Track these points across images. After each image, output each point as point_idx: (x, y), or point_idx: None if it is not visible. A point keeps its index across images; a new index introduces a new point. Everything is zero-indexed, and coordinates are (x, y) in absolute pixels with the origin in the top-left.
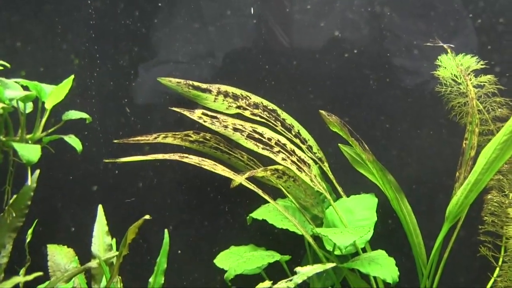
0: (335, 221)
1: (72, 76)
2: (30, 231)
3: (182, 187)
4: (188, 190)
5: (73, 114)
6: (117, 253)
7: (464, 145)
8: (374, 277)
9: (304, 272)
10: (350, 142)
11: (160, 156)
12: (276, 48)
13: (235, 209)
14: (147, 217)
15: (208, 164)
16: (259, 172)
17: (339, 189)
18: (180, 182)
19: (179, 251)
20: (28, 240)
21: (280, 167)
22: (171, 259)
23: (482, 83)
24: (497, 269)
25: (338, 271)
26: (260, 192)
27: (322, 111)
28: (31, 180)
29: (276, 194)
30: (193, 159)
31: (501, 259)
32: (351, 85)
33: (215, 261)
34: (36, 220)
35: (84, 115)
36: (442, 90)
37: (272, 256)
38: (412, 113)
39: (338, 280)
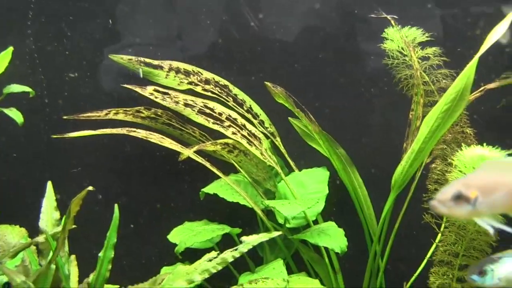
0: (287, 195)
1: (11, 48)
2: None
3: (137, 164)
4: (143, 166)
5: (15, 88)
6: (59, 229)
7: (410, 116)
8: (326, 249)
9: (250, 241)
10: (296, 114)
11: (108, 131)
12: (239, 30)
13: (191, 185)
14: (90, 188)
15: (155, 138)
16: (208, 146)
17: (291, 163)
18: (136, 159)
19: (133, 226)
20: None
21: (230, 141)
22: (126, 234)
23: (427, 55)
24: (439, 235)
25: (289, 244)
26: (208, 164)
27: (267, 83)
28: None
29: (231, 169)
30: (140, 133)
31: (443, 225)
32: (302, 61)
33: (168, 236)
34: None
35: (26, 88)
36: (389, 62)
37: (222, 229)
38: (363, 88)
39: (290, 252)
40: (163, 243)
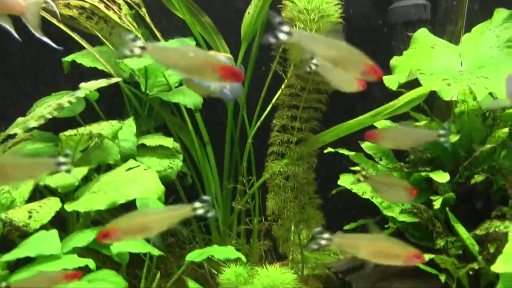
0: None
1: None
2: None
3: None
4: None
5: None
6: None
7: None
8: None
9: (87, 86)
10: None
11: None
12: None
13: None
14: None
15: None
16: (61, 8)
17: (158, 34)
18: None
19: None
20: None
21: (87, 5)
22: None
23: None
24: (286, 80)
25: (153, 114)
26: (62, 26)
27: None
28: None
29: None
30: None
31: (289, 73)
32: None
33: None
34: None
35: None
36: None
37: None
38: None
39: (153, 125)
40: None
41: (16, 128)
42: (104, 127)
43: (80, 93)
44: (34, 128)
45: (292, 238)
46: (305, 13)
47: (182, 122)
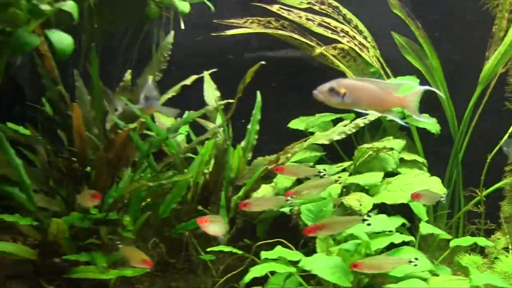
0: None
1: None
2: None
3: None
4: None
5: None
6: (226, 101)
7: (494, 29)
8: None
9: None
10: (407, 22)
11: (253, 30)
12: None
13: None
14: (263, 62)
15: (287, 34)
16: (330, 49)
17: (388, 71)
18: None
19: None
20: None
21: (345, 47)
22: None
23: None
24: None
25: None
26: (336, 61)
27: None
28: None
29: None
30: (273, 30)
31: None
32: None
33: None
34: None
35: None
36: None
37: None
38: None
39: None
40: None
41: (321, 139)
42: (394, 143)
43: (371, 116)
44: (336, 140)
45: None
46: None
47: (410, 142)
